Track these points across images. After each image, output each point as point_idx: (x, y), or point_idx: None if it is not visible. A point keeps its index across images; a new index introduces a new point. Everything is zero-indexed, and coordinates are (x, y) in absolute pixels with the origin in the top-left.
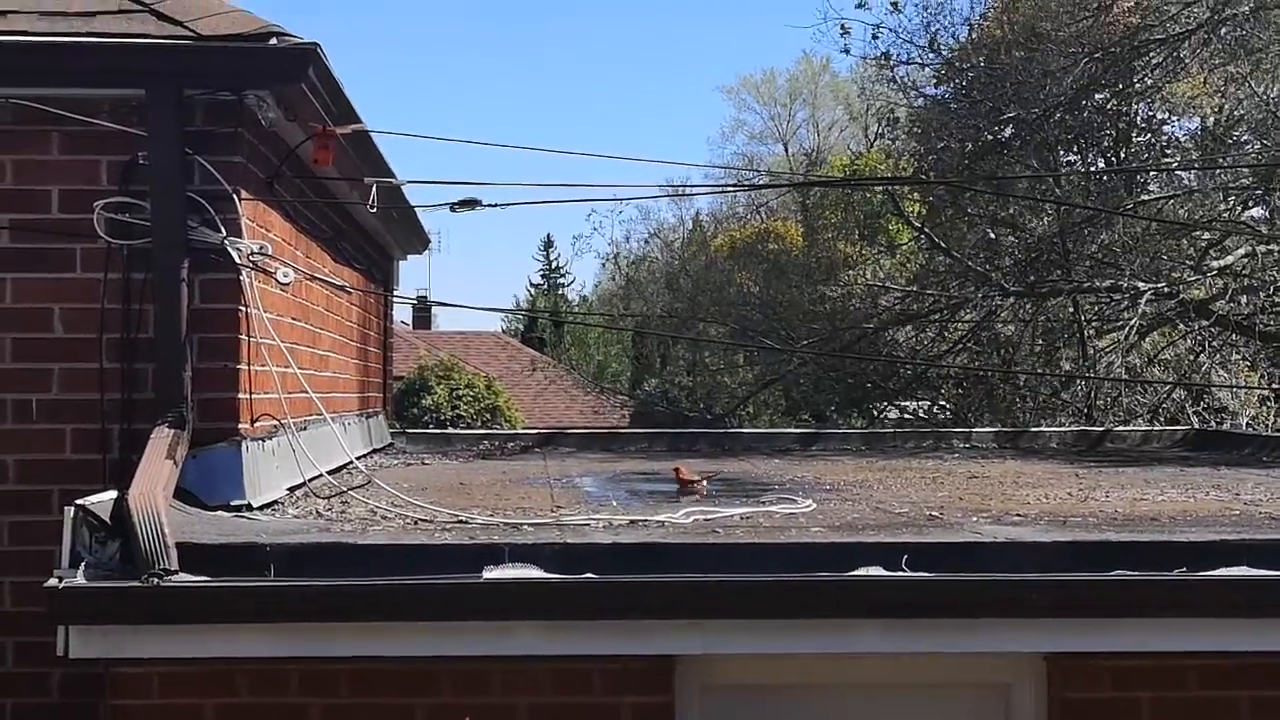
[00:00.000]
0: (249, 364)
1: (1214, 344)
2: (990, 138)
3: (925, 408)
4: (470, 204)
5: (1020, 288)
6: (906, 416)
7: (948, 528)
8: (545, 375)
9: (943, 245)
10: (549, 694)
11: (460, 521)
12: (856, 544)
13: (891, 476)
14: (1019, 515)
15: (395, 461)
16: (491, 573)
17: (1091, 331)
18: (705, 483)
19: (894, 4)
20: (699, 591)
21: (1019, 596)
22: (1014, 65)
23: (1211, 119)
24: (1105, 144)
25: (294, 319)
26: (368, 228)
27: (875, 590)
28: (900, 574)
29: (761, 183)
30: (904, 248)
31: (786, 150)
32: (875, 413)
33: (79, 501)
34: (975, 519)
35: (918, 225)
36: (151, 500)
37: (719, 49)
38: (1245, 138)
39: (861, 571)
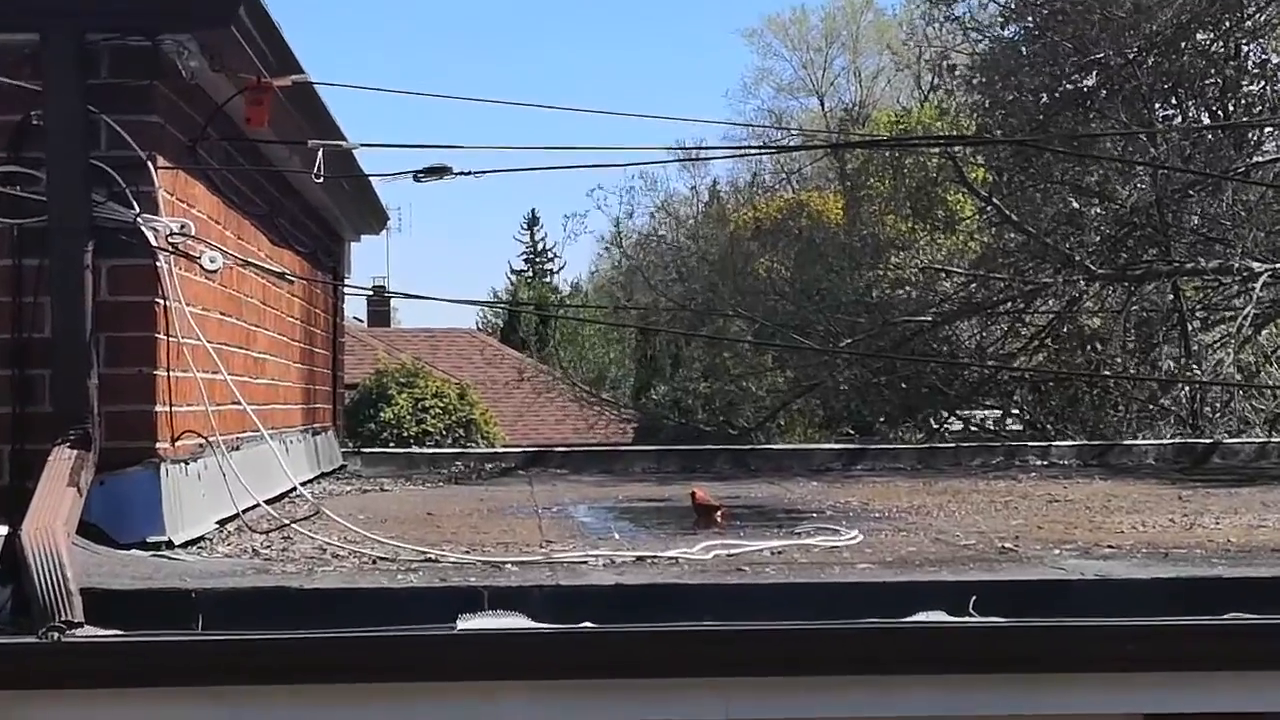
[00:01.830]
0: (169, 369)
1: None
2: (1070, 87)
3: (994, 418)
4: (439, 172)
5: (1109, 270)
6: (972, 429)
7: (1024, 563)
8: (531, 382)
9: (1014, 219)
10: None
11: (429, 560)
12: (914, 584)
13: (954, 501)
14: (1111, 547)
15: (348, 488)
16: (468, 623)
17: (1196, 323)
18: (723, 511)
19: None
20: (721, 644)
21: (1112, 646)
22: None
23: None
24: (1209, 94)
25: (223, 314)
26: (313, 202)
27: (938, 640)
28: (968, 620)
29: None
30: (967, 223)
31: (822, 105)
32: (934, 425)
33: None
34: (1058, 552)
35: (983, 195)
36: (49, 537)
37: None
38: None
39: (921, 617)
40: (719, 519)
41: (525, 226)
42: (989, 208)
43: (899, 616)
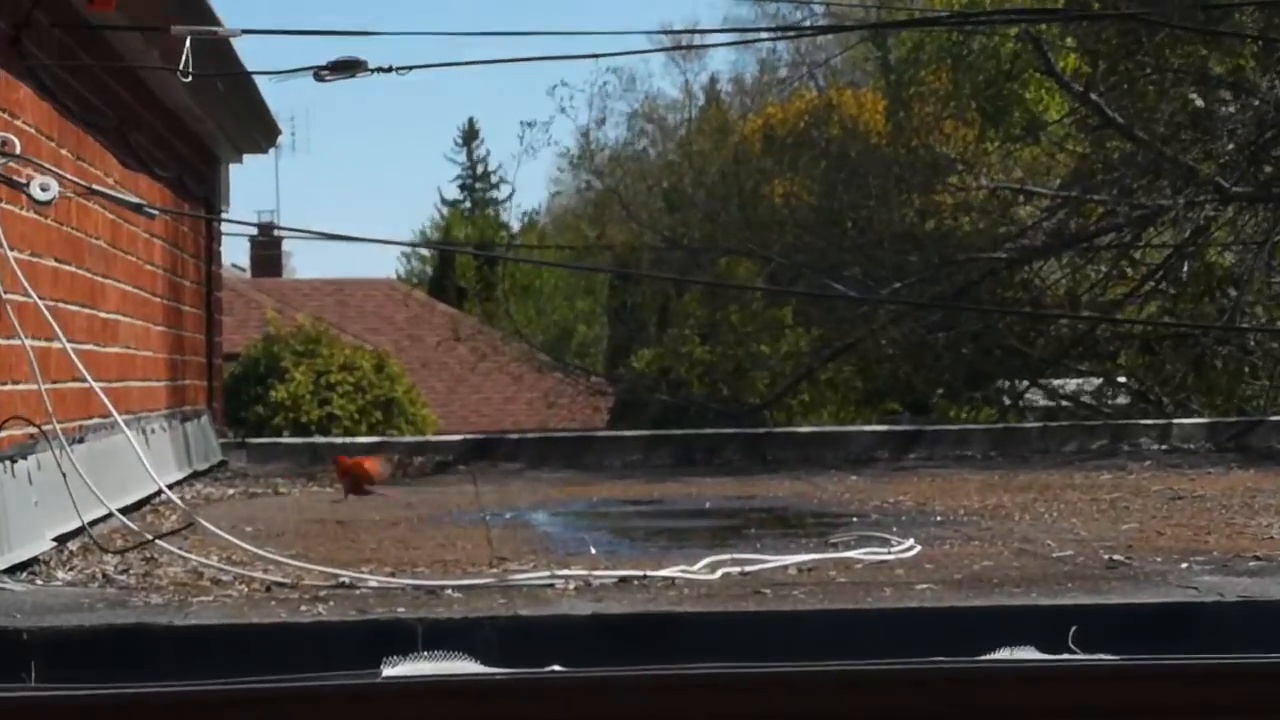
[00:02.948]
0: None
1: None
2: None
3: (1093, 389)
4: (348, 68)
5: (1246, 189)
6: (1062, 403)
7: (1141, 582)
8: (470, 345)
9: (1119, 121)
10: None
11: (342, 585)
12: (992, 610)
13: (1042, 500)
14: (1258, 558)
15: (231, 490)
16: (396, 668)
17: None
18: (382, 464)
19: None
20: (733, 693)
21: (1265, 690)
22: None
23: None
24: None
25: (60, 261)
26: (178, 112)
27: (1026, 685)
28: (1067, 659)
29: (817, 26)
30: (1054, 128)
31: None
32: (1010, 398)
33: None
34: (1186, 566)
35: (1077, 89)
36: None
37: None
38: None
39: (1003, 654)
40: (374, 475)
41: (460, 142)
42: (1084, 107)
43: (972, 654)
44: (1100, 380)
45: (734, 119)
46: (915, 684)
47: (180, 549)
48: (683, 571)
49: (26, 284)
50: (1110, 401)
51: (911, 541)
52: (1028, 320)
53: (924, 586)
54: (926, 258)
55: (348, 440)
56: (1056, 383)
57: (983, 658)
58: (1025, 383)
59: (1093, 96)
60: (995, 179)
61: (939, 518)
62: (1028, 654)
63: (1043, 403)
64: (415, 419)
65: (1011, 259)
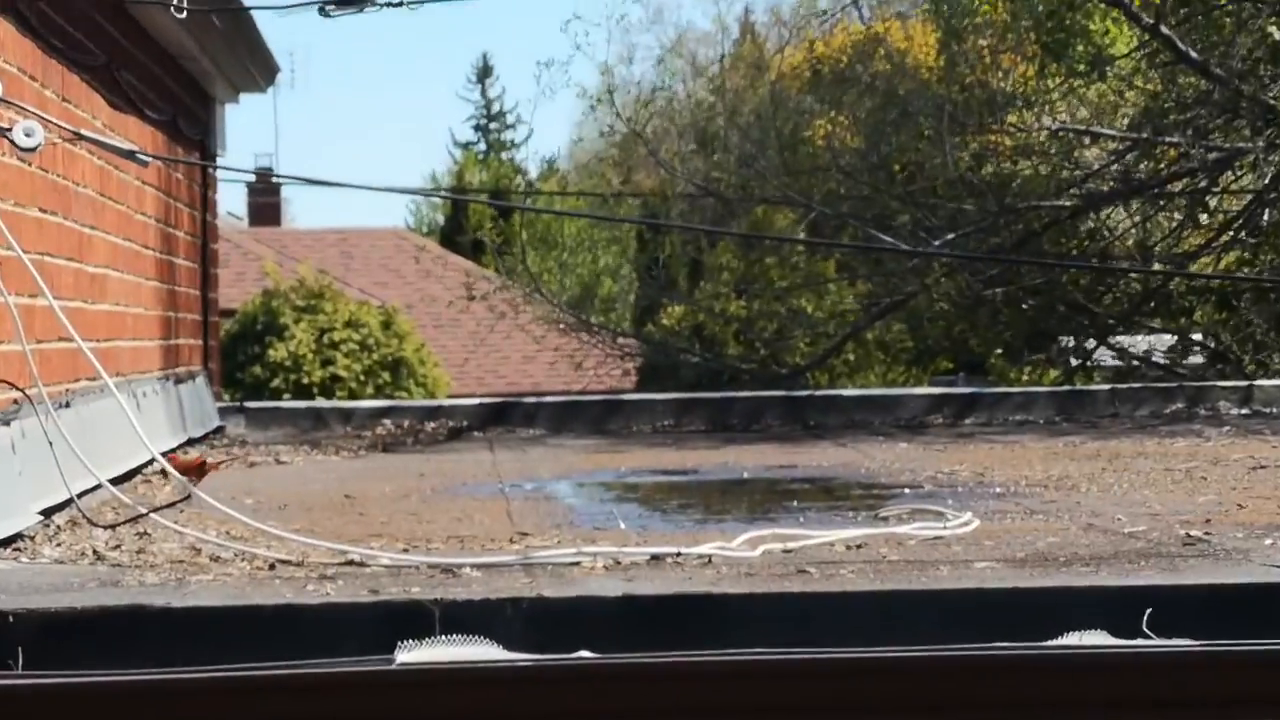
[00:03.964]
0: None
1: None
2: None
3: (1166, 348)
4: (355, 1)
5: None
6: (1133, 363)
7: (1221, 559)
8: (487, 302)
9: (1193, 56)
10: None
11: (351, 563)
12: (1058, 591)
13: (1112, 470)
14: None
15: (229, 458)
16: (411, 653)
17: None
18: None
19: None
20: (777, 679)
21: None
22: None
23: None
24: None
25: (45, 211)
26: (171, 48)
27: (1096, 673)
28: (1140, 644)
29: None
30: (1122, 63)
31: None
32: (1076, 359)
33: None
34: (1270, 542)
35: (1146, 20)
36: None
37: None
38: None
39: (1071, 639)
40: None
41: (474, 79)
42: (1154, 40)
43: (1037, 639)
44: (1174, 338)
45: (771, 54)
46: (974, 671)
47: (176, 523)
48: (720, 548)
49: (10, 236)
50: (1185, 362)
51: (969, 515)
52: (1094, 273)
53: (983, 565)
54: (983, 205)
55: (354, 404)
56: (1126, 341)
57: (1048, 643)
58: (1092, 342)
59: (1163, 28)
60: (1058, 119)
61: (999, 489)
62: (1097, 639)
63: (1111, 363)
64: (426, 380)
65: (1076, 207)
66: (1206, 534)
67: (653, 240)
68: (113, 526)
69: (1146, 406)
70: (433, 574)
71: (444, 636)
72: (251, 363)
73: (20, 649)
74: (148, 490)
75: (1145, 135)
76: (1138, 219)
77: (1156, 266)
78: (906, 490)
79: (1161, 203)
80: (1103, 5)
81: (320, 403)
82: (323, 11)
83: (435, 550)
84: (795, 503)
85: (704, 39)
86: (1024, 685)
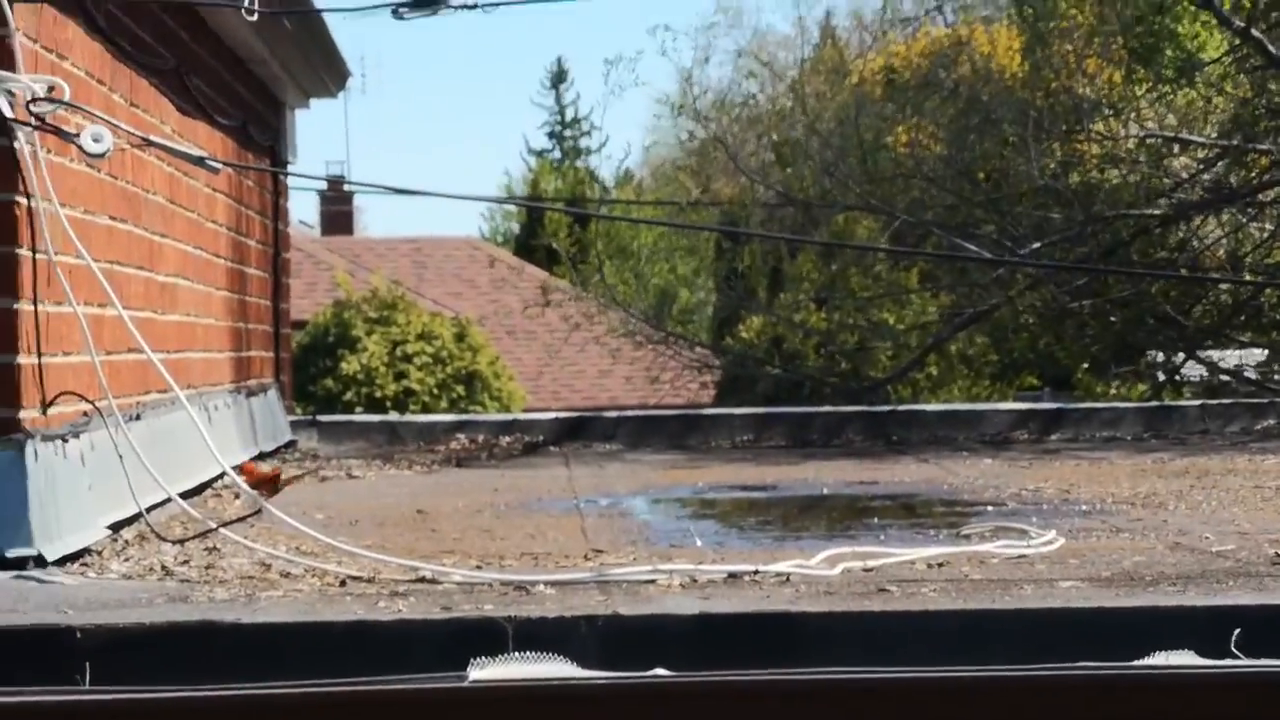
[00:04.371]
0: (35, 301)
1: None
2: None
3: (1258, 362)
4: (428, 4)
5: None
6: (1222, 378)
7: None
8: (561, 313)
9: None
10: None
11: (423, 580)
12: (1144, 610)
13: (1200, 487)
14: None
15: (300, 473)
16: (484, 671)
17: None
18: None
19: None
20: (858, 699)
21: None
22: None
23: None
24: None
25: (114, 219)
26: (241, 52)
27: (1182, 693)
28: (1230, 664)
29: None
30: (1212, 69)
31: None
32: (1164, 373)
33: None
34: None
35: (1237, 24)
36: None
37: None
38: None
39: (1157, 660)
40: (272, 480)
41: (549, 84)
42: (1245, 44)
43: (1123, 659)
44: (1266, 352)
45: (852, 59)
46: (1058, 692)
47: (246, 538)
48: (798, 566)
49: (79, 244)
50: (1278, 376)
51: (1054, 533)
52: (1184, 285)
53: (1068, 584)
54: (1069, 215)
55: (427, 418)
56: (1216, 355)
57: (1134, 664)
58: (1181, 355)
59: (1254, 32)
60: (1145, 126)
61: (1084, 507)
62: (1185, 659)
63: (1201, 378)
64: (500, 394)
65: (1165, 216)
66: None
67: (731, 250)
68: (182, 541)
69: (1237, 422)
70: (506, 591)
71: (517, 654)
72: (323, 375)
73: (88, 664)
74: (218, 504)
75: (1235, 142)
76: (1228, 229)
77: (1247, 277)
78: (990, 507)
79: (1253, 212)
80: (1192, 8)
81: (393, 416)
82: (396, 13)
83: (508, 567)
84: (876, 520)
85: (783, 43)
86: (1109, 706)
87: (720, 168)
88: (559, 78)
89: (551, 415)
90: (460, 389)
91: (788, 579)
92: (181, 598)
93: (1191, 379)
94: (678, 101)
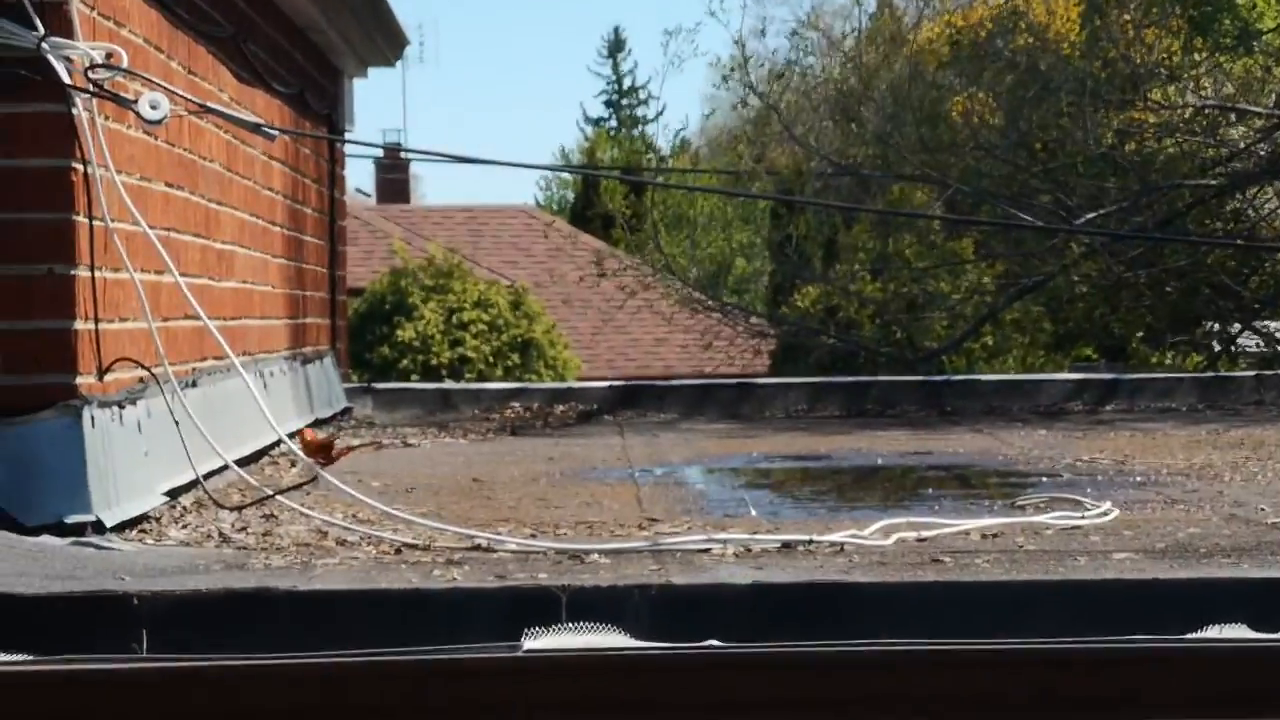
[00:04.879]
0: (93, 268)
1: None
2: None
3: None
4: None
5: None
6: (1278, 349)
7: None
8: (617, 282)
9: None
10: None
11: (478, 548)
12: (1199, 583)
13: (1256, 458)
14: None
15: (356, 441)
16: (538, 640)
17: None
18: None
19: None
20: (915, 670)
21: None
22: None
23: None
24: None
25: (171, 186)
26: (297, 19)
27: (1237, 665)
28: None
29: None
30: (1270, 38)
31: None
32: (1220, 343)
33: None
34: None
35: None
36: None
37: None
38: None
39: (1211, 632)
40: (334, 453)
41: (605, 54)
42: None
43: (1177, 632)
44: None
45: (909, 28)
46: (1112, 664)
47: (302, 506)
48: (853, 536)
49: (135, 211)
50: None
51: (1108, 505)
52: (1240, 255)
53: (1122, 556)
54: (1125, 184)
55: (482, 386)
56: (1273, 326)
57: (1189, 636)
58: (1237, 326)
59: None
60: (1203, 95)
61: (1139, 478)
62: (1239, 632)
63: (1258, 348)
64: (556, 362)
65: (1222, 186)
66: None
67: (787, 218)
68: (239, 508)
69: None
70: (560, 560)
71: (571, 623)
72: (379, 343)
73: (145, 632)
74: (274, 472)
75: None
76: None
77: None
78: (1044, 479)
79: None
80: None
81: (448, 384)
82: None
83: (563, 536)
84: (930, 490)
85: (839, 11)
86: (1163, 678)
87: (775, 136)
88: (616, 46)
89: (606, 384)
90: (515, 357)
91: (842, 549)
92: (238, 565)
93: (1247, 349)
94: (730, 68)
